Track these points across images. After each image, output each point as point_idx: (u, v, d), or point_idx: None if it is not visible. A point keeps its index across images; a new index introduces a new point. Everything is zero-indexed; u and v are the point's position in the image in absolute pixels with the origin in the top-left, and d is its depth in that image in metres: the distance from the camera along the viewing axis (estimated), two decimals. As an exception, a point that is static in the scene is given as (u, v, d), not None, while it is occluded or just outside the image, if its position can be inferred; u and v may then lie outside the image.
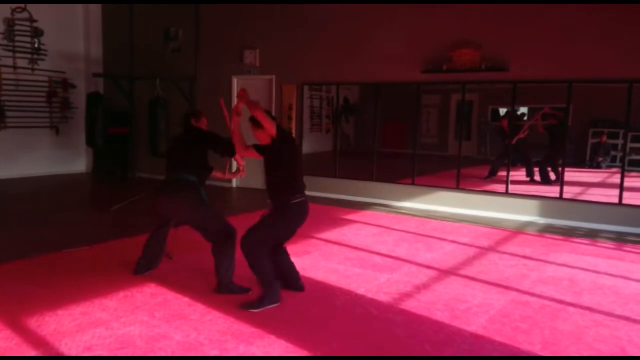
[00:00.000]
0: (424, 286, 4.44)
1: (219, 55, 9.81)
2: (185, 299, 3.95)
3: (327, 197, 8.69)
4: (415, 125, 8.24)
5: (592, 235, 6.59)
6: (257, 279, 3.94)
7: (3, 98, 9.64)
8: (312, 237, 6.02)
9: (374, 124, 8.62)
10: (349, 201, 8.52)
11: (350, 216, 7.37)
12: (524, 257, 5.46)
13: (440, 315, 3.82)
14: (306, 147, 9.21)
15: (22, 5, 9.71)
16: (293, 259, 5.10)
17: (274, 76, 9.33)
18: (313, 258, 5.20)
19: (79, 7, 10.86)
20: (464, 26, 7.63)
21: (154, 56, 10.34)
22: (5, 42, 9.62)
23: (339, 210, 7.73)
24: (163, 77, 9.56)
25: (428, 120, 8.75)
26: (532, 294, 4.32)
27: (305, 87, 9.11)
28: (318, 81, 9.07)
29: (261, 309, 3.77)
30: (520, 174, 7.96)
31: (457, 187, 7.91)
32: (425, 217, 7.48)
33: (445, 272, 4.84)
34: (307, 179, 9.30)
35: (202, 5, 9.74)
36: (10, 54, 9.69)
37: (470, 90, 7.94)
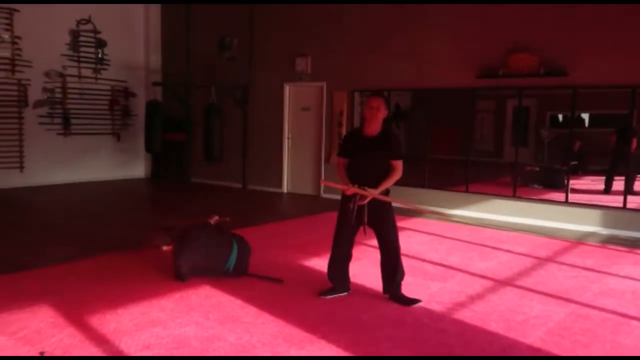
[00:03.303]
0: (478, 296, 4.33)
1: (272, 62, 9.97)
2: (238, 301, 4.02)
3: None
4: (469, 131, 8.08)
5: (658, 247, 6.26)
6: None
7: (68, 106, 10.14)
8: (362, 244, 5.98)
9: (426, 130, 8.51)
10: (400, 208, 8.41)
11: (401, 223, 7.25)
12: (585, 268, 5.25)
13: (495, 326, 3.71)
14: (357, 154, 9.18)
15: (87, 17, 10.20)
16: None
17: (324, 83, 9.39)
18: (363, 265, 5.18)
19: (140, 20, 11.31)
20: (520, 29, 7.44)
21: (210, 65, 10.62)
22: (70, 52, 10.12)
23: (390, 217, 7.65)
24: (218, 85, 9.82)
25: (482, 126, 8.54)
26: (593, 307, 4.15)
27: (356, 94, 9.11)
28: (369, 88, 9.05)
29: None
30: (582, 183, 7.65)
31: (514, 195, 7.69)
32: (479, 225, 7.31)
33: (501, 283, 4.71)
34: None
35: (256, 14, 9.93)
36: (76, 64, 10.19)
37: (528, 95, 7.71)
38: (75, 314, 3.71)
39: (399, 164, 3.98)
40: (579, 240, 6.54)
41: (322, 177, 9.47)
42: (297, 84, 9.76)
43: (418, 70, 8.35)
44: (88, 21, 10.26)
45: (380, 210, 4.00)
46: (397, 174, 3.99)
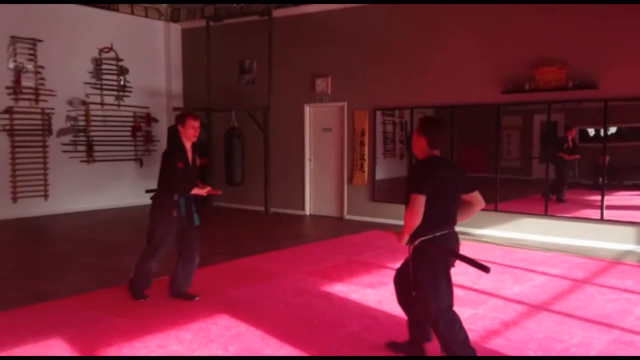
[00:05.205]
0: (513, 323, 4.07)
1: (291, 84, 9.91)
2: (259, 332, 3.85)
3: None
4: (496, 148, 7.84)
5: None
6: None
7: (92, 133, 10.22)
8: (387, 268, 5.79)
9: (451, 148, 8.29)
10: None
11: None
12: (626, 290, 4.94)
13: (533, 355, 3.46)
14: (380, 173, 9.02)
15: (109, 45, 10.33)
16: (368, 290, 4.93)
17: (345, 103, 9.27)
18: (389, 290, 4.93)
19: (160, 46, 11.42)
20: (547, 42, 7.22)
21: (230, 89, 10.63)
22: (93, 80, 10.24)
23: (416, 239, 7.42)
24: (238, 108, 9.80)
25: (509, 142, 8.30)
26: (637, 333, 3.87)
27: (378, 112, 8.97)
28: (390, 106, 8.90)
29: None
30: (615, 198, 7.32)
31: (546, 213, 7.39)
32: (511, 246, 7.02)
33: (537, 307, 4.44)
34: (381, 206, 8.94)
35: (275, 36, 9.92)
36: (98, 92, 10.29)
37: (555, 110, 7.46)
38: (91, 347, 3.58)
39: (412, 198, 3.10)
40: (617, 259, 6.22)
41: (345, 198, 9.29)
42: (318, 104, 9.66)
43: (441, 87, 8.17)
44: (110, 49, 10.38)
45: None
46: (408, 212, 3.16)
